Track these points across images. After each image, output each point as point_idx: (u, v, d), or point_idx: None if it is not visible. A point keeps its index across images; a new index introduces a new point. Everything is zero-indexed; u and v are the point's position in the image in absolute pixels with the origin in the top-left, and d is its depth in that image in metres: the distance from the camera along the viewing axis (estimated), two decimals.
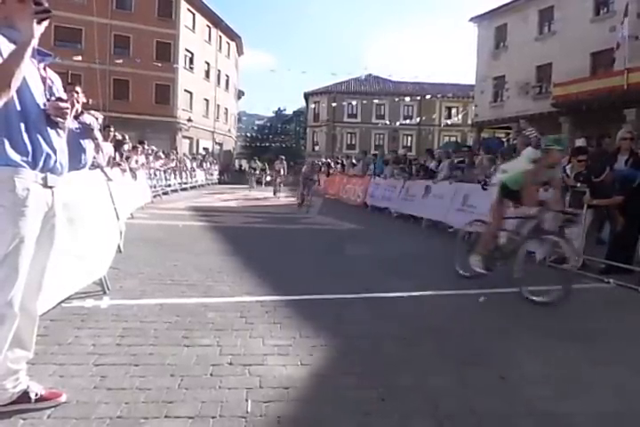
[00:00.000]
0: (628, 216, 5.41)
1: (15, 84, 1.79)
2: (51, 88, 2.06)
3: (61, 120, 2.02)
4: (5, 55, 1.81)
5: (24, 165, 1.89)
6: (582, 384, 2.61)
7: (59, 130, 2.04)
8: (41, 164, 1.94)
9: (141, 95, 30.24)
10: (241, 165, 37.64)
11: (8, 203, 1.85)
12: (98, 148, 3.15)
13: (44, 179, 1.97)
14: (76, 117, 2.18)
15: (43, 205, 1.99)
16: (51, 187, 2.01)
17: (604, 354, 3.08)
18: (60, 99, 2.04)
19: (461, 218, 8.46)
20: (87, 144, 2.31)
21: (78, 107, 2.12)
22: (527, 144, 7.67)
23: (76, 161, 2.23)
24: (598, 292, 4.89)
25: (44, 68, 2.08)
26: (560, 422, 2.22)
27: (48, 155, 1.96)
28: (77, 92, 2.35)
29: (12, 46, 1.85)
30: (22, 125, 1.89)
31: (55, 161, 2.00)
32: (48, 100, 2.00)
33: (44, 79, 2.04)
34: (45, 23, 1.91)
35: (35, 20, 1.86)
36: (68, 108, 2.02)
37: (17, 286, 1.88)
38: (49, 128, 1.98)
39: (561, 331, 3.52)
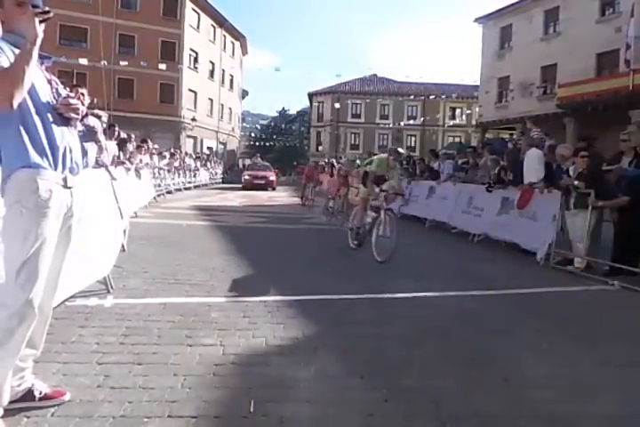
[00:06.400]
0: (634, 217, 5.37)
1: (27, 83, 1.80)
2: (57, 89, 2.08)
3: (75, 116, 2.03)
4: (12, 59, 1.81)
5: (45, 166, 1.90)
6: (586, 386, 2.60)
7: (71, 128, 2.05)
8: (60, 164, 1.96)
9: (146, 94, 30.30)
10: (244, 165, 37.59)
11: (31, 204, 1.86)
12: (101, 149, 3.18)
13: (65, 179, 1.98)
14: (81, 120, 2.19)
15: (63, 206, 2.00)
16: (70, 187, 2.02)
17: (608, 356, 3.07)
18: (69, 96, 2.05)
19: (467, 220, 8.43)
20: (89, 146, 2.32)
21: (83, 109, 2.13)
22: (532, 145, 7.64)
23: None
24: (603, 294, 4.87)
25: (47, 70, 2.10)
26: (564, 424, 2.21)
27: (65, 154, 1.98)
28: (82, 94, 2.34)
29: (16, 50, 1.85)
30: (39, 126, 1.90)
31: (72, 160, 2.02)
32: (56, 100, 2.01)
33: (49, 80, 2.05)
34: (43, 25, 1.92)
35: (37, 20, 1.87)
36: (78, 105, 2.03)
37: (37, 287, 1.89)
38: (62, 127, 1.99)
39: (565, 333, 3.51)
